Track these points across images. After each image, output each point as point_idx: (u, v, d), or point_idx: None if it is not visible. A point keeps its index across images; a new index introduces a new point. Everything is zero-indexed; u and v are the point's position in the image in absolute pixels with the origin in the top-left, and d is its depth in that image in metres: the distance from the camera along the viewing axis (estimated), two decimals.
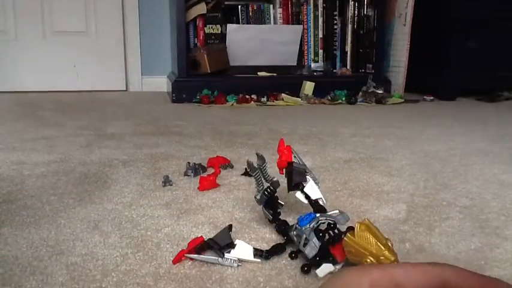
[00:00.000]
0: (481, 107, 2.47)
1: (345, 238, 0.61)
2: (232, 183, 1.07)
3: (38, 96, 2.68)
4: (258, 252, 0.69)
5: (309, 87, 2.52)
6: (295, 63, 2.75)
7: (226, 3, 2.68)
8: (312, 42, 2.80)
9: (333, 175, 1.14)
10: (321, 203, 0.76)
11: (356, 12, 2.80)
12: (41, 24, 2.87)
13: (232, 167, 1.19)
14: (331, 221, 0.67)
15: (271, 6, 2.73)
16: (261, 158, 0.78)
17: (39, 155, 1.31)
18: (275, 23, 2.74)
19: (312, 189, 0.77)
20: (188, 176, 1.11)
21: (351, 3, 2.79)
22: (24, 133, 1.62)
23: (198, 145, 1.45)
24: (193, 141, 1.51)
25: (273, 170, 0.84)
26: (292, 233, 0.70)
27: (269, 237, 0.78)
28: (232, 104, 2.35)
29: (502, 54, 2.65)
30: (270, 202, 0.79)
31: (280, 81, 2.57)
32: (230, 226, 0.74)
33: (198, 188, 1.02)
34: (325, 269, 0.64)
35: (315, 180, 0.79)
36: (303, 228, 0.67)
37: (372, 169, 1.20)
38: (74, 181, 1.07)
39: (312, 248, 0.65)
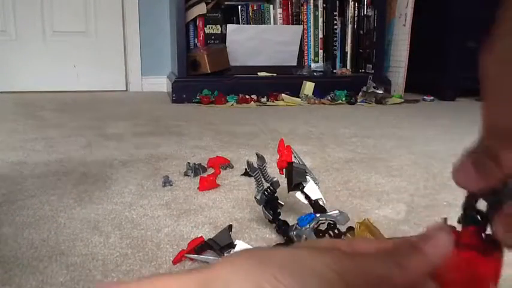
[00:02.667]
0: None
1: (345, 238, 0.61)
2: (232, 183, 1.07)
3: (38, 96, 2.68)
4: None
5: (309, 87, 2.52)
6: (295, 63, 2.75)
7: (226, 3, 2.68)
8: (312, 42, 2.80)
9: (333, 175, 1.14)
10: (320, 203, 0.76)
11: (356, 12, 2.80)
12: (41, 24, 2.86)
13: (232, 167, 1.19)
14: (331, 221, 0.67)
15: (271, 6, 2.73)
16: (261, 158, 0.78)
17: (39, 155, 1.31)
18: (275, 23, 2.74)
19: (312, 189, 0.77)
20: (188, 176, 1.11)
21: (351, 3, 2.79)
22: (24, 133, 1.62)
23: (198, 145, 1.45)
24: (193, 141, 1.51)
25: (273, 170, 0.84)
26: (292, 233, 0.70)
27: (269, 237, 0.78)
28: (232, 104, 2.35)
29: None
30: (270, 202, 0.79)
31: (280, 81, 2.57)
32: (230, 226, 0.74)
33: (198, 188, 1.02)
34: None
35: (315, 180, 0.79)
36: (303, 229, 0.67)
37: (372, 169, 1.20)
38: (74, 181, 1.07)
39: None
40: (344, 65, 2.85)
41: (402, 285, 0.25)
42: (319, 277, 0.24)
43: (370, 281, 0.25)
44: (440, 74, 2.69)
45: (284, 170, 0.80)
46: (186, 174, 1.12)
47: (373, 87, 2.55)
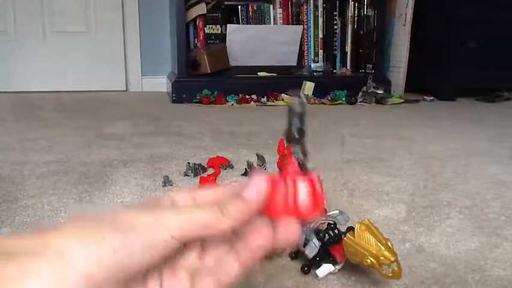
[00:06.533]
0: (481, 107, 2.47)
1: (345, 238, 0.61)
2: (232, 183, 1.07)
3: (38, 96, 2.68)
4: None
5: (309, 87, 2.52)
6: (295, 63, 2.75)
7: (226, 3, 2.68)
8: (312, 42, 2.80)
9: (333, 175, 1.14)
10: None
11: (356, 12, 2.80)
12: (41, 24, 2.86)
13: (232, 167, 1.19)
14: (331, 221, 0.67)
15: (271, 6, 2.73)
16: (261, 158, 0.78)
17: (39, 155, 1.31)
18: (275, 23, 2.74)
19: None
20: (188, 176, 1.11)
21: (351, 3, 2.79)
22: (24, 133, 1.62)
23: (198, 145, 1.45)
24: (193, 141, 1.51)
25: (273, 170, 0.84)
26: None
27: None
28: (232, 104, 2.35)
29: (502, 54, 2.65)
30: None
31: (280, 81, 2.57)
32: None
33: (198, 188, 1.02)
34: (325, 269, 0.64)
35: None
36: (303, 229, 0.67)
37: (372, 169, 1.20)
38: (74, 181, 1.07)
39: (312, 248, 0.65)
40: (344, 65, 2.85)
41: (232, 229, 0.30)
42: (145, 235, 0.27)
43: (201, 231, 0.29)
44: (440, 74, 2.69)
45: None
46: (186, 174, 1.12)
47: (373, 87, 2.55)
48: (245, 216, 0.31)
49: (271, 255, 0.33)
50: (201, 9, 2.57)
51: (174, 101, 2.44)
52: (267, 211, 0.31)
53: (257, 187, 0.31)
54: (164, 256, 0.29)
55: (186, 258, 0.32)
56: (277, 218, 0.32)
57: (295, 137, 0.33)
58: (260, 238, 0.32)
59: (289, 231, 0.32)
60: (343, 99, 2.49)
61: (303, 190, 0.31)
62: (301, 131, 0.33)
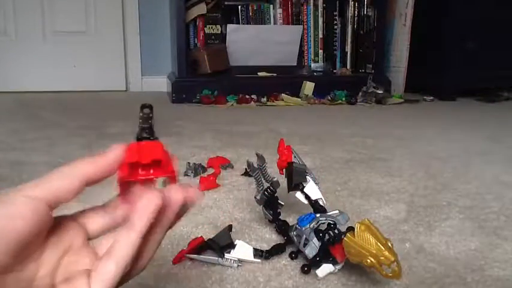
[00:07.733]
0: (481, 107, 2.47)
1: (345, 238, 0.61)
2: (232, 183, 1.07)
3: (38, 96, 2.68)
4: (258, 253, 0.69)
5: (309, 87, 2.52)
6: (295, 63, 2.75)
7: (226, 3, 2.68)
8: (312, 42, 2.80)
9: (333, 175, 1.14)
10: (321, 203, 0.76)
11: (356, 12, 2.80)
12: (41, 24, 2.86)
13: (232, 167, 1.19)
14: (331, 221, 0.67)
15: (271, 6, 2.73)
16: (261, 158, 0.78)
17: (39, 155, 1.31)
18: (275, 23, 2.74)
19: (312, 189, 0.77)
20: (188, 176, 1.11)
21: (351, 3, 2.79)
22: (24, 133, 1.62)
23: (198, 145, 1.45)
24: (193, 141, 1.51)
25: (273, 170, 0.84)
26: (292, 233, 0.70)
27: (269, 237, 0.78)
28: (232, 104, 2.35)
29: (501, 54, 2.65)
30: (270, 202, 0.79)
31: (280, 81, 2.57)
32: (230, 226, 0.74)
33: (198, 188, 1.02)
34: (325, 269, 0.64)
35: (314, 180, 0.79)
36: (303, 229, 0.67)
37: (372, 169, 1.20)
38: None
39: (312, 248, 0.65)
40: (344, 65, 2.84)
41: (80, 188, 0.34)
42: (6, 204, 0.29)
43: (57, 195, 0.34)
44: (440, 74, 2.69)
45: (284, 170, 0.80)
46: (186, 174, 1.12)
47: (373, 87, 2.55)
48: (92, 174, 0.35)
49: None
50: (201, 9, 2.57)
51: (174, 101, 2.44)
52: (121, 174, 0.37)
53: (110, 150, 0.36)
54: (36, 229, 0.31)
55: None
56: (128, 179, 0.37)
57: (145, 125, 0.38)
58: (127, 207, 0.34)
59: (148, 201, 0.34)
60: (343, 99, 2.49)
61: (150, 152, 0.37)
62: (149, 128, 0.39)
